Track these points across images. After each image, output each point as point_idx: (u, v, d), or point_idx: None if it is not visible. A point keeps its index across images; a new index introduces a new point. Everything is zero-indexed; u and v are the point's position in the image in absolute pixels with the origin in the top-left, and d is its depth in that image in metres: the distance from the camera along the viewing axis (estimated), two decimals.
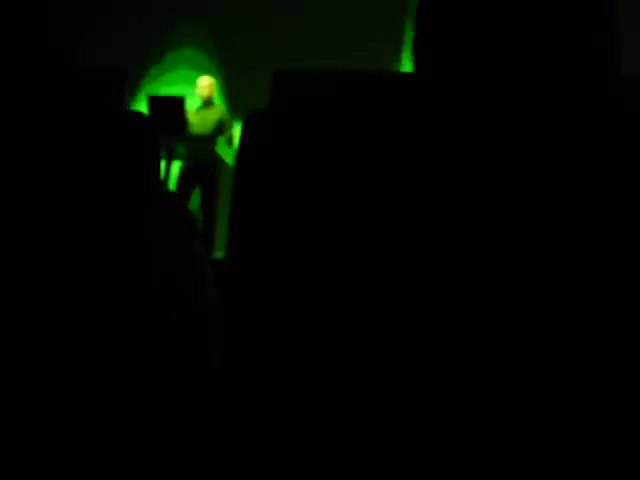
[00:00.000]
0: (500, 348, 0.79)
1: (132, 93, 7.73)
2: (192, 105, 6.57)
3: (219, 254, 6.17)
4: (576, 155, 0.81)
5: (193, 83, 6.95)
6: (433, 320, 0.80)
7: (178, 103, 6.30)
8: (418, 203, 0.82)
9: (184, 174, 6.64)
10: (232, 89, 7.56)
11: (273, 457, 0.85)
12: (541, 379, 0.78)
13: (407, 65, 7.39)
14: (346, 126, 0.86)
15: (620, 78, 0.84)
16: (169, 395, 0.99)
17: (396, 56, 7.37)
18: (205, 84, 6.72)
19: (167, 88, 7.71)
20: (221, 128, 6.52)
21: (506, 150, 0.81)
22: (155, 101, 6.32)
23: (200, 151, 6.48)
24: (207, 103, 6.67)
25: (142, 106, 6.91)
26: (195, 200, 6.62)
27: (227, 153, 6.40)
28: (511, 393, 0.79)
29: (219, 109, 6.72)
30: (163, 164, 6.24)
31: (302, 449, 0.83)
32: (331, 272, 0.84)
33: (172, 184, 6.65)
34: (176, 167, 6.66)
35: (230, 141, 6.50)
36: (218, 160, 6.47)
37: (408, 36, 7.35)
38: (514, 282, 0.80)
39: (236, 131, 6.41)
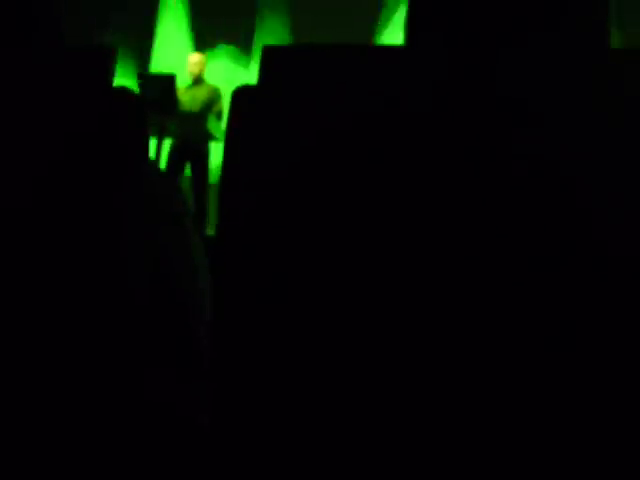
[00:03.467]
0: (498, 345, 0.79)
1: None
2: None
3: (211, 232, 6.17)
4: (573, 125, 0.80)
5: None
6: (425, 299, 0.80)
7: (169, 81, 6.25)
8: (411, 178, 0.82)
9: (175, 152, 6.62)
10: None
11: (265, 438, 0.85)
12: (538, 375, 0.78)
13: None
14: (335, 100, 0.85)
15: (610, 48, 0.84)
16: (159, 374, 0.99)
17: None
18: (195, 61, 6.67)
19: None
20: (211, 105, 6.48)
21: (501, 121, 0.81)
22: (145, 79, 6.28)
23: (190, 129, 6.45)
24: (197, 80, 6.62)
25: (130, 84, 6.87)
26: (186, 178, 6.61)
27: (217, 130, 6.37)
28: (509, 391, 0.79)
29: (209, 86, 6.67)
30: (154, 143, 6.21)
31: (292, 427, 0.83)
32: (323, 248, 0.83)
33: (163, 162, 6.63)
34: (167, 145, 6.64)
35: (219, 116, 6.46)
36: (209, 137, 6.45)
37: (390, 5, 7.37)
38: (512, 270, 0.79)
39: (225, 106, 6.37)
